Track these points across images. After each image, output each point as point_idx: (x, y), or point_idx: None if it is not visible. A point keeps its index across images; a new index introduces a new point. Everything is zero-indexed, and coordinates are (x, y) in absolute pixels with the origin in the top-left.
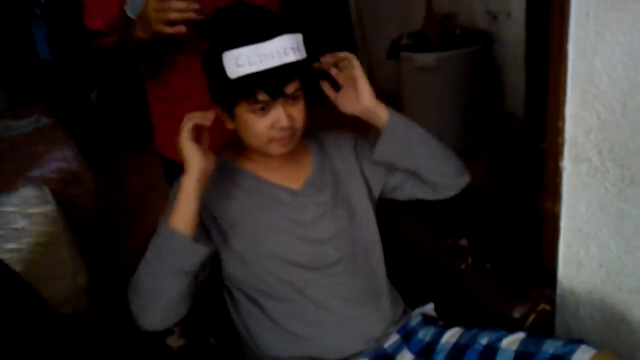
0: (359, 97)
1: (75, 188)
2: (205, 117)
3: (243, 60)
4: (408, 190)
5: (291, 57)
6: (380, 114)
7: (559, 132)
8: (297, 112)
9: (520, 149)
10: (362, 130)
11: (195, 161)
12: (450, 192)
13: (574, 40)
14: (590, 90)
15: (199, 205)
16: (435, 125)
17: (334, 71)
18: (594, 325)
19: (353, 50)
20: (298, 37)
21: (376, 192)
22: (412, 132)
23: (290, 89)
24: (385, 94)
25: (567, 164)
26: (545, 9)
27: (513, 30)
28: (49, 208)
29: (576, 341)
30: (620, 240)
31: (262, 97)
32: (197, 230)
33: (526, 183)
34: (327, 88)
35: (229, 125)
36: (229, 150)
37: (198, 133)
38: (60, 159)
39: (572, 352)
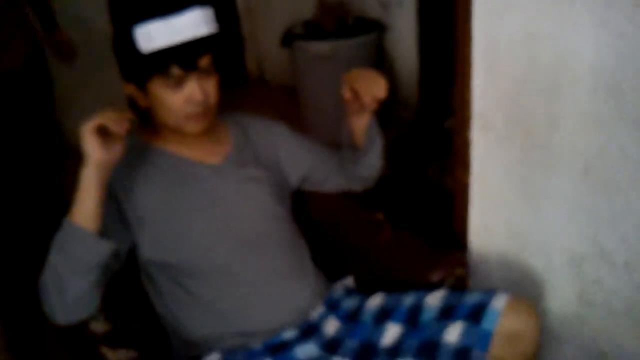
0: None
1: None
2: (118, 123)
3: (155, 34)
4: (335, 184)
5: (204, 31)
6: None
7: (466, 104)
8: (211, 87)
9: (419, 133)
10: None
11: (94, 154)
12: (372, 184)
13: (479, 18)
14: (495, 64)
15: (102, 196)
16: (330, 116)
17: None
18: (504, 285)
19: (239, 42)
20: (209, 11)
21: (293, 179)
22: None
23: (204, 62)
24: (277, 87)
25: (475, 135)
26: None
27: (404, 19)
28: None
29: (492, 290)
30: (525, 204)
31: (175, 71)
32: (103, 221)
33: (429, 163)
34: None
35: (142, 103)
36: (142, 130)
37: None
38: None
39: (490, 299)
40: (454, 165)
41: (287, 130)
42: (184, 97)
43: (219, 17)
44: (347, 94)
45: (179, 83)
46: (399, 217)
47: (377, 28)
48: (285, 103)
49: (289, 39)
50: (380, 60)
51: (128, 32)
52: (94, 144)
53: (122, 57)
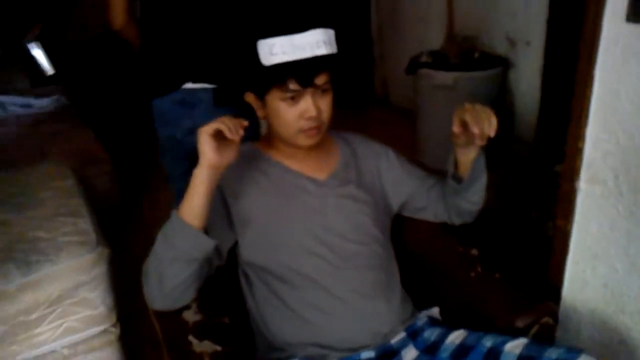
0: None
1: (92, 168)
2: (234, 130)
3: (277, 49)
4: (433, 213)
5: (323, 50)
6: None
7: (578, 152)
8: (325, 104)
9: (529, 172)
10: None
11: (207, 156)
12: (470, 219)
13: (601, 65)
14: (612, 115)
15: (210, 196)
16: (444, 144)
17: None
18: (593, 344)
19: (370, 64)
20: (330, 33)
21: (393, 203)
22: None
23: (320, 80)
24: (399, 109)
25: (582, 185)
26: (566, 39)
27: (530, 57)
28: (70, 182)
29: (577, 349)
30: (627, 262)
31: (293, 85)
32: (210, 219)
33: (534, 205)
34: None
35: (261, 113)
36: (260, 141)
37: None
38: (78, 139)
39: (573, 358)
40: (556, 212)
41: (393, 155)
42: (298, 112)
43: (354, 39)
44: (456, 127)
45: (295, 98)
46: (494, 256)
47: (502, 64)
48: (405, 126)
49: (414, 66)
50: (502, 95)
51: (253, 45)
52: (209, 147)
53: (245, 67)
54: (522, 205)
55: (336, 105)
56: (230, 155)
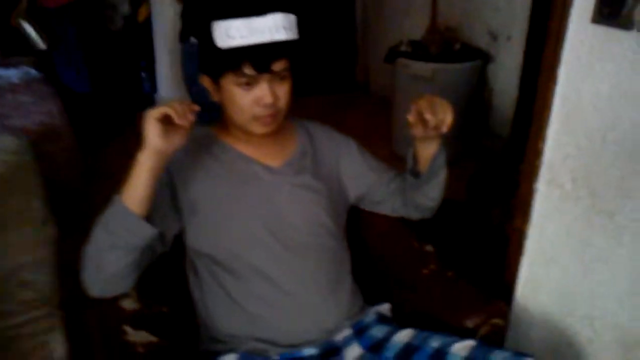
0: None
1: (53, 144)
2: (183, 115)
3: (234, 32)
4: (390, 207)
5: (282, 36)
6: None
7: (538, 153)
8: (283, 91)
9: (500, 168)
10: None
11: (153, 141)
12: (429, 215)
13: (566, 64)
14: (574, 117)
15: (153, 183)
16: None
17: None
18: (542, 346)
19: (353, 50)
20: (291, 18)
21: (351, 195)
22: (444, 163)
23: (278, 66)
24: (379, 98)
25: (541, 187)
26: (544, 34)
27: (511, 52)
28: (26, 158)
29: (525, 354)
30: (581, 266)
31: (248, 70)
32: (155, 204)
33: (499, 202)
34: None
35: (215, 97)
36: (215, 124)
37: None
38: (42, 112)
39: None
40: (515, 213)
41: (354, 146)
42: (253, 98)
43: (336, 24)
44: (411, 115)
45: (250, 83)
46: (451, 252)
47: (481, 57)
48: (384, 115)
49: (393, 55)
50: (480, 89)
51: (207, 27)
52: (154, 132)
53: (201, 50)
54: (488, 202)
55: (316, 91)
56: (177, 141)
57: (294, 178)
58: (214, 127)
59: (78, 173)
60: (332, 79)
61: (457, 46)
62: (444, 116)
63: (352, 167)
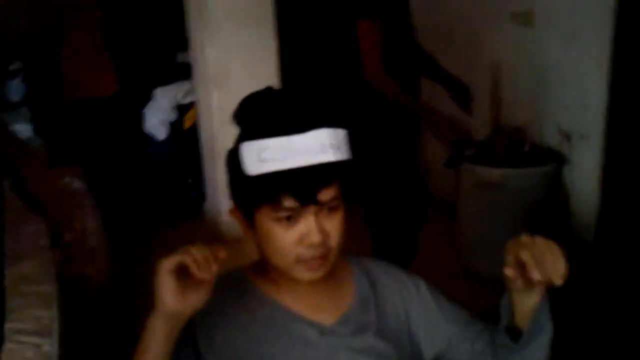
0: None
1: (89, 267)
2: (205, 265)
3: (267, 155)
4: None
5: (329, 157)
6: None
7: None
8: (333, 226)
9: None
10: None
11: (167, 301)
12: None
13: None
14: None
15: (169, 352)
16: (491, 248)
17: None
18: None
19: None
20: (340, 133)
21: (426, 356)
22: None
23: (326, 196)
24: (439, 203)
25: None
26: (630, 133)
27: (587, 152)
28: (48, 289)
29: None
30: None
31: (288, 202)
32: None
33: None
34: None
35: (249, 235)
36: (251, 266)
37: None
38: (79, 231)
39: None
40: None
41: (426, 289)
42: (296, 236)
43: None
44: (509, 269)
45: (292, 218)
46: None
47: (555, 159)
48: (445, 222)
49: (455, 159)
50: (556, 194)
51: (234, 149)
52: (169, 289)
53: (231, 175)
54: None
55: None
56: (197, 299)
57: (353, 340)
58: (248, 270)
59: (116, 294)
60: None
61: (527, 147)
62: (555, 266)
63: (426, 317)
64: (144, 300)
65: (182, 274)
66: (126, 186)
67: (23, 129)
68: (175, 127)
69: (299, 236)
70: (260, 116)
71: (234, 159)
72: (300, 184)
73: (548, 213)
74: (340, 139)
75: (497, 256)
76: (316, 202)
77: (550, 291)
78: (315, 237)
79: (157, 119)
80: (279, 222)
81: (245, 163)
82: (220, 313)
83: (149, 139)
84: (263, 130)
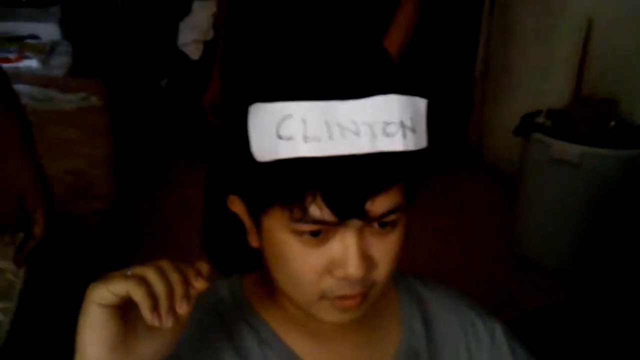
0: None
1: (84, 205)
2: (167, 302)
3: (291, 129)
4: None
5: (397, 143)
6: None
7: None
8: (385, 251)
9: None
10: None
11: (92, 354)
12: None
13: None
14: None
15: None
16: (557, 233)
17: None
18: None
19: (468, 109)
20: (420, 105)
21: None
22: None
23: (380, 206)
24: (495, 170)
25: None
26: None
27: None
28: None
29: None
30: None
31: (317, 211)
32: None
33: None
34: None
35: (253, 240)
36: (254, 285)
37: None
38: (83, 156)
39: None
40: None
41: (501, 335)
42: (324, 262)
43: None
44: None
45: (321, 234)
46: None
47: None
48: (499, 194)
49: (526, 127)
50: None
51: (243, 113)
52: (101, 336)
53: (231, 153)
54: None
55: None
56: (155, 350)
57: None
58: (251, 285)
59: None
60: (436, 136)
61: (612, 123)
62: None
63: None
64: (142, 252)
65: (131, 310)
66: (148, 106)
67: (49, 30)
68: (211, 48)
69: (327, 262)
70: (285, 62)
71: (237, 130)
72: (341, 185)
73: (629, 204)
74: (420, 114)
75: (561, 246)
76: (363, 217)
77: None
78: (355, 270)
79: (191, 36)
80: (299, 237)
81: (254, 140)
82: (205, 352)
83: (182, 57)
84: (287, 86)
